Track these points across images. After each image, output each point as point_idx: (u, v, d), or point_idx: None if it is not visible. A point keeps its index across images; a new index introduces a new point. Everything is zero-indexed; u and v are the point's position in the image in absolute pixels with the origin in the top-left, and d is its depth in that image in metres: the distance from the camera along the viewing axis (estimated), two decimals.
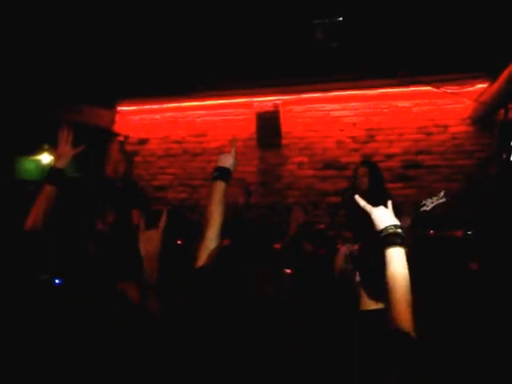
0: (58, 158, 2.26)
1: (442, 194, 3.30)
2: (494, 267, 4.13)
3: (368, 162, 4.10)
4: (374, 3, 4.86)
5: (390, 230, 1.57)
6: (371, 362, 1.44)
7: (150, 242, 1.91)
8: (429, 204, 3.32)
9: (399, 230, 1.58)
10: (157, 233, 1.93)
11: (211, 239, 2.02)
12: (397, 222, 1.61)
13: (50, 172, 2.26)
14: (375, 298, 1.87)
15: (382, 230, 1.59)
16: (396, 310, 1.50)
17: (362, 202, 1.71)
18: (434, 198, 3.30)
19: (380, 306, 1.89)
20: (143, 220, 1.98)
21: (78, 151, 2.35)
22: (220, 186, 2.07)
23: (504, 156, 4.66)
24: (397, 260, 1.53)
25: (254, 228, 4.65)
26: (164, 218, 1.98)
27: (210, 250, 2.00)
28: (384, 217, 1.63)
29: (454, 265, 4.29)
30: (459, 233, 4.65)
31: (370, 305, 1.88)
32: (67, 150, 2.28)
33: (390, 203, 1.69)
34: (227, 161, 2.17)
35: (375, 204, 3.25)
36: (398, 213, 3.39)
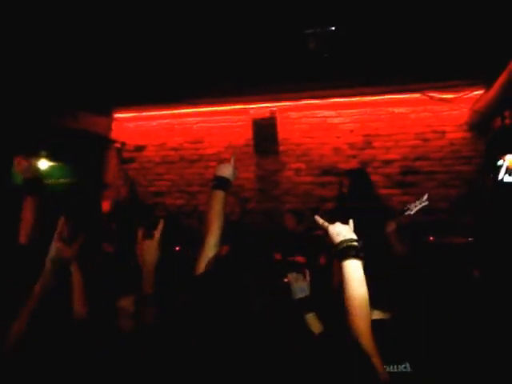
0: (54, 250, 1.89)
1: (425, 197, 3.30)
2: (494, 273, 4.11)
3: (351, 171, 4.07)
4: (371, 11, 4.87)
5: (344, 244, 1.65)
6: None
7: (147, 251, 1.93)
8: (412, 208, 3.31)
9: (354, 243, 1.65)
10: (153, 242, 1.95)
11: (211, 247, 2.01)
12: (352, 236, 1.69)
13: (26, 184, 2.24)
14: (375, 307, 1.86)
15: (337, 245, 1.67)
16: (355, 326, 1.57)
17: (320, 221, 1.78)
18: (418, 202, 3.30)
19: (380, 316, 1.88)
20: (142, 230, 2.00)
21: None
22: (219, 196, 2.07)
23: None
24: (352, 273, 1.60)
25: (250, 235, 4.64)
26: (160, 227, 1.99)
27: (209, 258, 1.99)
28: (340, 232, 1.69)
29: (455, 271, 4.27)
30: (460, 239, 4.64)
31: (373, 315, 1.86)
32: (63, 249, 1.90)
33: (351, 221, 1.78)
34: (226, 170, 2.15)
35: (363, 214, 3.23)
36: (386, 217, 3.40)
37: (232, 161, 2.11)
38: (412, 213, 3.30)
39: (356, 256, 1.62)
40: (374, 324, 1.86)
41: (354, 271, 1.60)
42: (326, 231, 1.73)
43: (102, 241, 3.99)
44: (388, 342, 1.96)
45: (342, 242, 1.66)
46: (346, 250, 1.63)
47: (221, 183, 2.08)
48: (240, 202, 4.76)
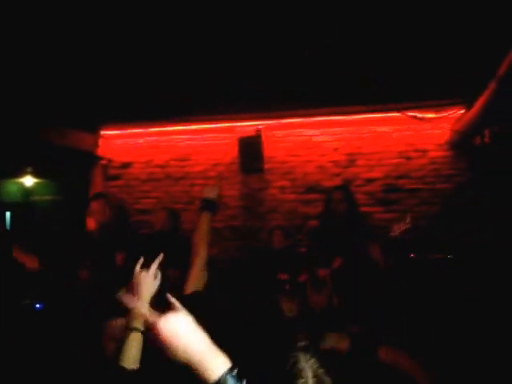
0: None
1: (408, 219, 3.36)
2: (475, 289, 4.17)
3: (343, 186, 4.15)
4: (353, 31, 4.99)
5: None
6: None
7: (143, 285, 1.83)
8: (396, 230, 3.37)
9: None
10: (150, 275, 1.85)
11: (199, 268, 2.03)
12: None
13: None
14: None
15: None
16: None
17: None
18: (401, 224, 3.35)
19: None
20: (142, 261, 1.91)
21: None
22: (206, 217, 2.11)
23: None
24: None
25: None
26: (159, 259, 1.91)
27: (198, 278, 2.01)
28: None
29: (435, 287, 4.34)
30: (439, 255, 4.71)
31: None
32: None
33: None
34: (212, 192, 2.21)
35: (353, 229, 3.27)
36: (370, 237, 3.44)
37: (218, 183, 2.17)
38: (396, 234, 3.36)
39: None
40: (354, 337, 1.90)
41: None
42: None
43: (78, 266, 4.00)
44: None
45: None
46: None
47: (207, 205, 2.13)
48: (172, 216, 4.78)
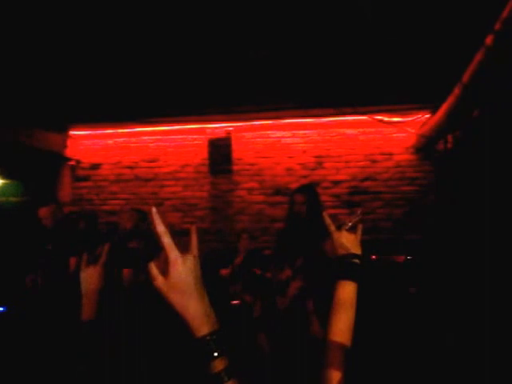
0: None
1: (358, 212, 3.41)
2: (431, 291, 4.27)
3: (304, 188, 4.15)
4: (322, 35, 5.06)
5: (344, 260, 1.41)
6: None
7: (89, 279, 1.80)
8: (347, 223, 3.42)
9: (355, 260, 1.41)
10: (96, 270, 1.82)
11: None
12: (357, 251, 1.44)
13: None
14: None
15: (336, 259, 1.44)
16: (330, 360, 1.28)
17: (327, 220, 1.52)
18: (352, 217, 3.41)
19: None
20: (85, 257, 1.87)
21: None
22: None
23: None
24: (341, 296, 1.35)
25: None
26: (104, 253, 1.89)
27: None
28: (342, 244, 1.45)
29: (394, 288, 4.43)
30: (400, 257, 4.80)
31: (321, 333, 1.92)
32: None
33: (360, 228, 1.55)
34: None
35: (314, 230, 3.33)
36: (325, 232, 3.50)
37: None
38: (348, 228, 3.41)
39: (351, 276, 1.35)
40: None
41: (344, 295, 1.34)
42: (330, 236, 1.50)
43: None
44: None
45: (341, 258, 1.41)
46: (343, 268, 1.38)
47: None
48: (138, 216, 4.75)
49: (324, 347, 1.28)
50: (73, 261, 4.08)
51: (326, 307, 1.82)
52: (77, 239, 4.34)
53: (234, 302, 4.38)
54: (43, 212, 4.33)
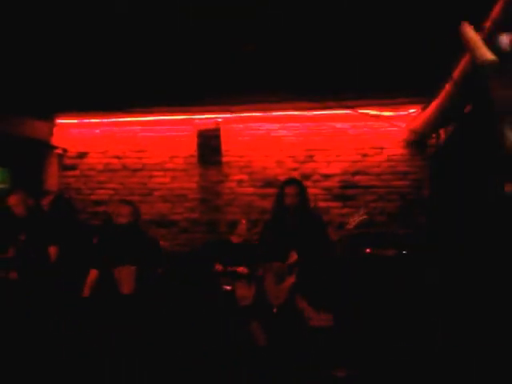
0: None
1: (361, 211, 3.40)
2: (425, 284, 4.27)
3: (296, 181, 4.08)
4: (311, 26, 4.98)
5: None
6: None
7: None
8: (351, 222, 3.40)
9: None
10: None
11: None
12: None
13: None
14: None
15: None
16: None
17: None
18: (356, 216, 3.39)
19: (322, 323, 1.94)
20: None
21: None
22: None
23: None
24: None
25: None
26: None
27: None
28: None
29: (388, 282, 4.43)
30: (394, 251, 4.79)
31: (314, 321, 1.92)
32: None
33: None
34: None
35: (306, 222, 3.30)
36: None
37: None
38: (351, 227, 3.39)
39: None
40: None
41: None
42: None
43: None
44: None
45: None
46: None
47: None
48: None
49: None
50: (53, 250, 4.00)
51: (318, 301, 1.80)
52: (54, 227, 4.25)
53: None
54: (13, 200, 4.22)
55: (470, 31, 2.85)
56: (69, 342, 3.63)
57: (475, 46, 2.77)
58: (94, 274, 3.75)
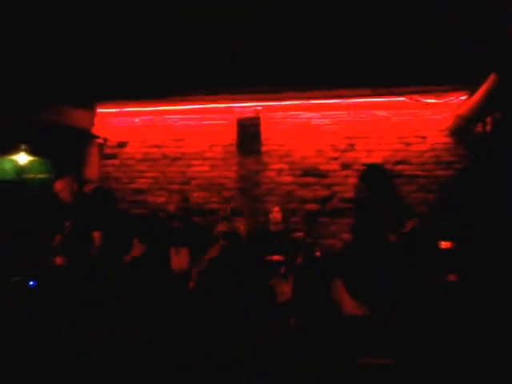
0: None
1: (416, 218, 3.33)
2: (472, 278, 4.16)
3: (368, 175, 3.79)
4: (358, 13, 4.89)
5: None
6: None
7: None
8: (406, 227, 3.34)
9: None
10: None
11: None
12: None
13: None
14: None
15: None
16: None
17: None
18: (412, 221, 3.32)
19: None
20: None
21: None
22: None
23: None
24: None
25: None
26: None
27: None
28: None
29: (434, 276, 4.32)
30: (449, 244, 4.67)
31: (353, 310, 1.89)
32: None
33: None
34: None
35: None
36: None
37: None
38: (405, 231, 3.34)
39: None
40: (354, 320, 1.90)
41: None
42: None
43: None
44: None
45: None
46: None
47: None
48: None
49: None
50: (96, 235, 4.06)
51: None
52: (98, 213, 4.31)
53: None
54: (59, 185, 4.30)
55: None
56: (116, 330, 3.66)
57: None
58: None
